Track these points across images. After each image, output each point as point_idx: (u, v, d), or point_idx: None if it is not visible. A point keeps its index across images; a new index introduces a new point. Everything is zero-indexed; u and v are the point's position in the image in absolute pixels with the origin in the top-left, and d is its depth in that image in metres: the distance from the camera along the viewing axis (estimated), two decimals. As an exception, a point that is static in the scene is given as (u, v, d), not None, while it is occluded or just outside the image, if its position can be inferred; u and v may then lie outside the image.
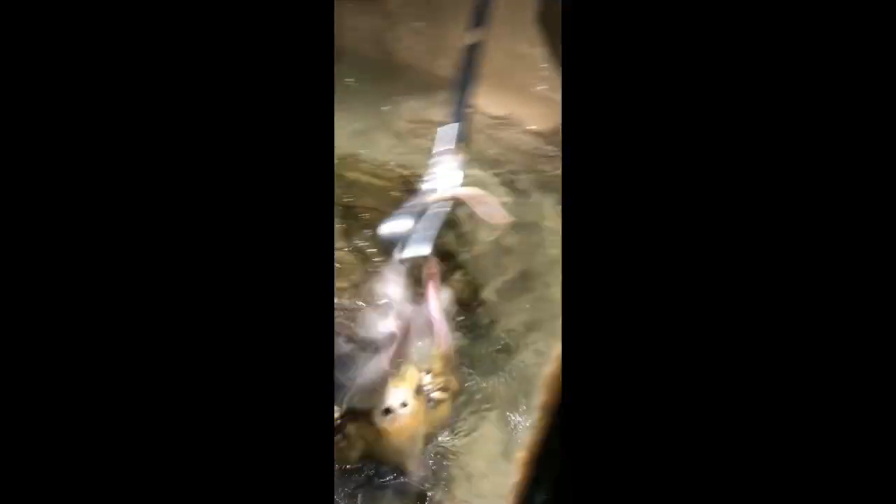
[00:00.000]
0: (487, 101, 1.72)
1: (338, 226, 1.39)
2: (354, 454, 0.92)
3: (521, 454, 0.83)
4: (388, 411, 0.85)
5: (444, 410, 0.99)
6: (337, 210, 1.44)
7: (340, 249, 1.33)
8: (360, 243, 1.37)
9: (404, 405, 0.85)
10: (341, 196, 1.49)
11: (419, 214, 0.98)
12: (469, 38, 1.18)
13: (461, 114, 1.13)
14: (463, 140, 1.09)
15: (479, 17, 1.19)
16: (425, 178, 1.04)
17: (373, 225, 1.42)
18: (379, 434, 0.86)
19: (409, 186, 1.72)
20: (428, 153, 1.08)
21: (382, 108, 2.11)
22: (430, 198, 1.00)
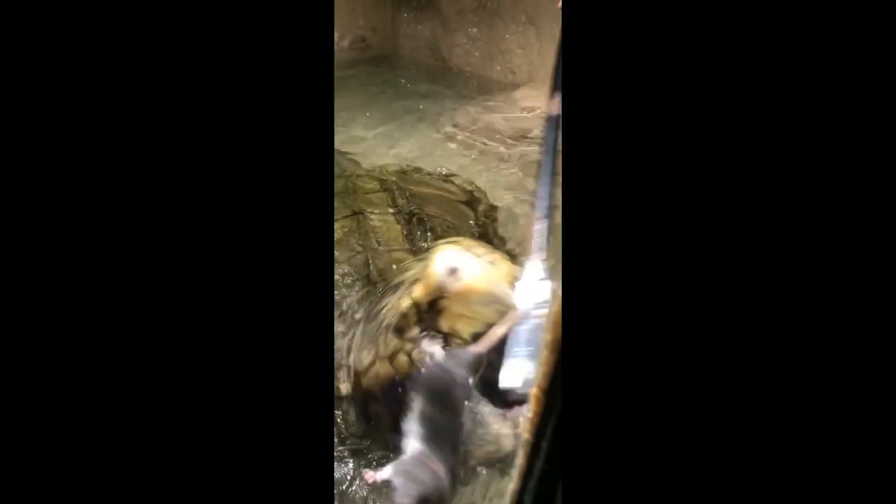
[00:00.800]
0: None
1: (403, 232, 1.44)
2: (466, 327, 0.96)
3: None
4: (452, 271, 0.93)
5: (505, 267, 1.03)
6: (402, 218, 1.50)
7: (404, 251, 1.38)
8: (424, 246, 1.41)
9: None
10: (406, 206, 1.55)
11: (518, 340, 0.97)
12: (552, 108, 1.11)
13: (549, 207, 1.06)
14: (548, 244, 1.05)
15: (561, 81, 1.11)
16: (514, 298, 0.99)
17: (435, 231, 1.47)
18: (460, 295, 0.93)
19: (470, 198, 1.75)
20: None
21: (439, 115, 2.14)
22: (526, 319, 0.97)
